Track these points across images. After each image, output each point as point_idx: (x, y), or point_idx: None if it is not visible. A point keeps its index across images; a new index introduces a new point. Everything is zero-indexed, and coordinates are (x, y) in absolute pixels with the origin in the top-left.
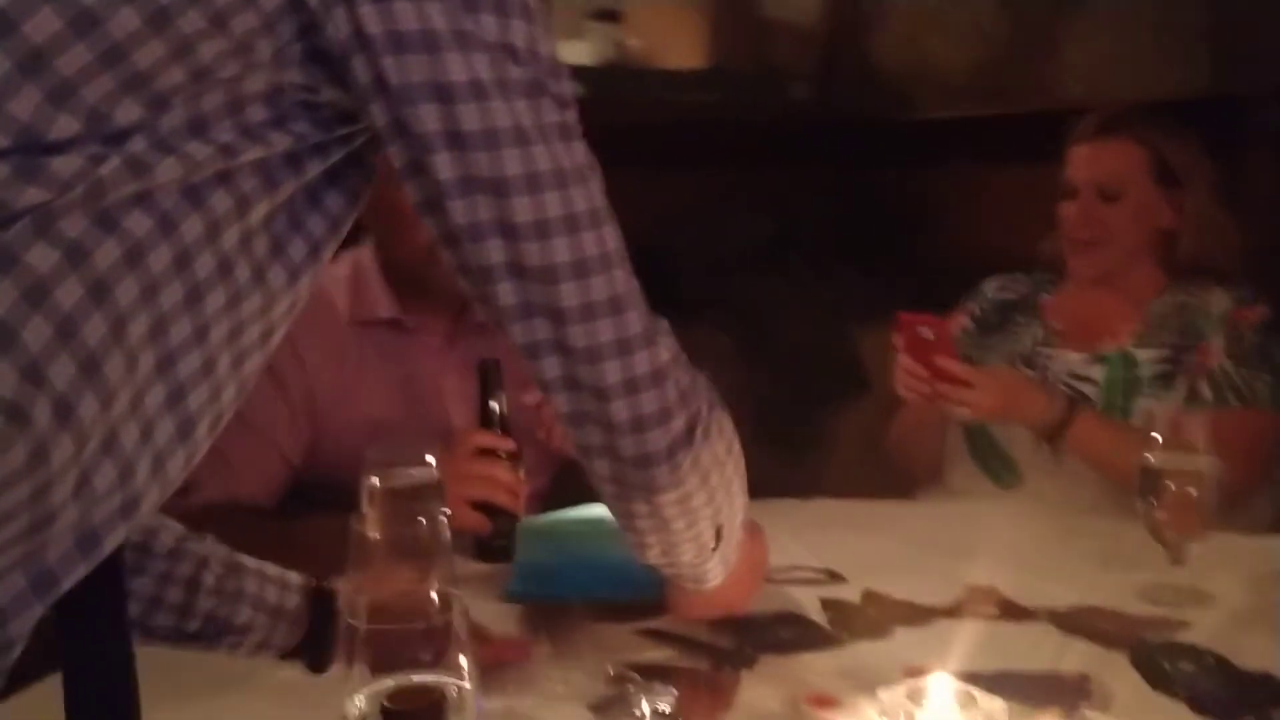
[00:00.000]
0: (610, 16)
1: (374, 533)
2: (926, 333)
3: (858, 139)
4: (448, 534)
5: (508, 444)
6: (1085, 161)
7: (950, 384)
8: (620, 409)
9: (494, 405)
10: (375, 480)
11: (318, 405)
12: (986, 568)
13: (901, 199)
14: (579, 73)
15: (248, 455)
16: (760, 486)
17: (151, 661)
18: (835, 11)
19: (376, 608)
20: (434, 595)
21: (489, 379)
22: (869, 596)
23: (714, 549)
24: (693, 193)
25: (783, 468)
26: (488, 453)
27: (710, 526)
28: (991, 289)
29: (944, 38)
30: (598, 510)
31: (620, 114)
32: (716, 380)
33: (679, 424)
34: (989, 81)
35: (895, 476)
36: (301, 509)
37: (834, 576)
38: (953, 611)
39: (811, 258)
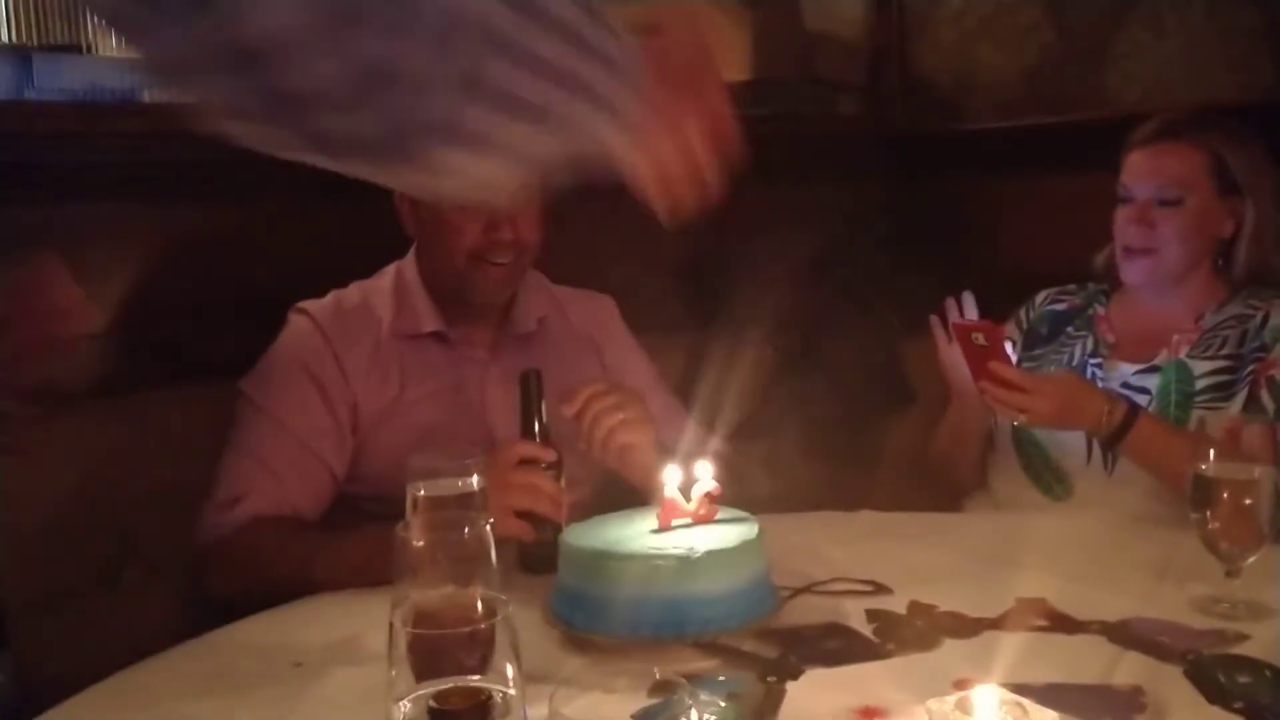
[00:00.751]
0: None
1: (418, 540)
2: (980, 339)
3: (905, 151)
4: (491, 541)
5: (549, 454)
6: (1143, 166)
7: (1007, 390)
8: None
9: (536, 416)
10: (419, 489)
11: (362, 417)
12: (1036, 579)
13: (950, 211)
14: None
15: (294, 467)
16: (807, 498)
17: (204, 659)
18: (881, 22)
19: (422, 614)
20: (479, 602)
21: (530, 390)
22: (916, 607)
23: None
24: (737, 207)
25: (830, 480)
26: (530, 462)
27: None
28: (1042, 300)
29: (993, 46)
30: (643, 532)
31: None
32: (766, 394)
33: None
34: (1040, 90)
35: (942, 488)
36: (346, 521)
37: (880, 588)
38: (1001, 623)
39: (858, 271)
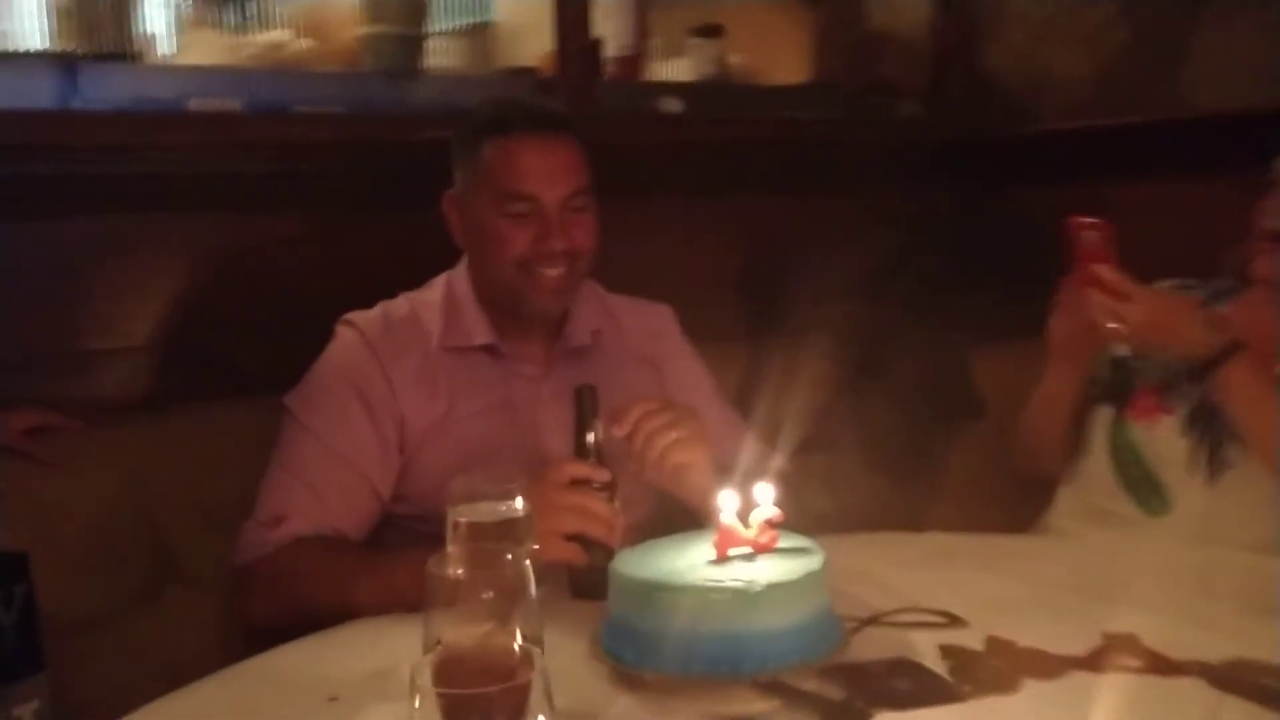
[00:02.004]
0: (711, 32)
1: (455, 571)
2: (1092, 236)
3: (970, 156)
4: (531, 576)
5: (603, 474)
6: None
7: (1106, 294)
8: None
9: (589, 434)
10: (459, 514)
11: (408, 434)
12: (1125, 612)
13: (1018, 218)
14: (679, 90)
15: (337, 486)
16: (871, 518)
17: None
18: (946, 22)
19: (453, 659)
20: (516, 646)
21: (585, 406)
22: (994, 644)
23: None
24: (798, 214)
25: (893, 498)
26: (582, 483)
27: None
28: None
29: (1064, 46)
30: (699, 562)
31: (721, 132)
32: (826, 408)
33: None
34: (1113, 91)
35: (1020, 507)
36: (393, 542)
37: (954, 620)
38: (1089, 663)
39: (924, 280)
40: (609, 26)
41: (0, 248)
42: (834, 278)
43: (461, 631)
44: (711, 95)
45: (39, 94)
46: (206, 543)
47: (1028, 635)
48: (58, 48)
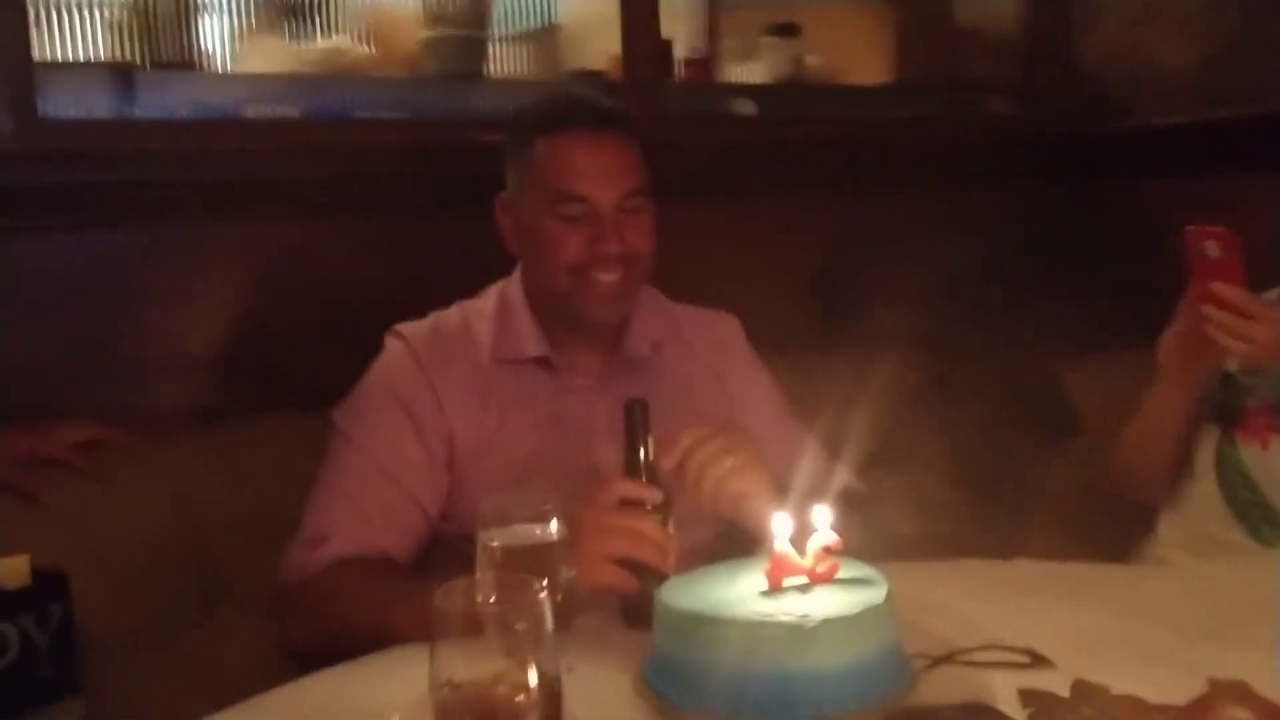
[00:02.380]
0: (788, 30)
1: (464, 604)
2: (1213, 249)
3: (1064, 154)
4: (548, 607)
5: (654, 494)
6: None
7: (1228, 314)
8: None
9: (641, 451)
10: (490, 539)
11: (458, 450)
12: (1234, 655)
13: (1116, 219)
14: (755, 91)
15: (381, 504)
16: (951, 544)
17: None
18: (1039, 15)
19: (455, 703)
20: (529, 687)
21: (636, 422)
22: (1081, 688)
23: None
24: (877, 217)
25: (979, 523)
26: (632, 504)
27: None
28: (1275, 298)
29: (1167, 34)
30: (751, 593)
31: (798, 134)
32: (904, 423)
33: None
34: (1220, 81)
35: (1119, 534)
36: (439, 564)
37: (1037, 660)
38: (1192, 713)
39: (1014, 285)
40: (679, 28)
41: (57, 257)
42: (915, 284)
43: (472, 670)
44: (787, 96)
45: (97, 103)
46: (260, 561)
47: (1122, 679)
48: (116, 57)
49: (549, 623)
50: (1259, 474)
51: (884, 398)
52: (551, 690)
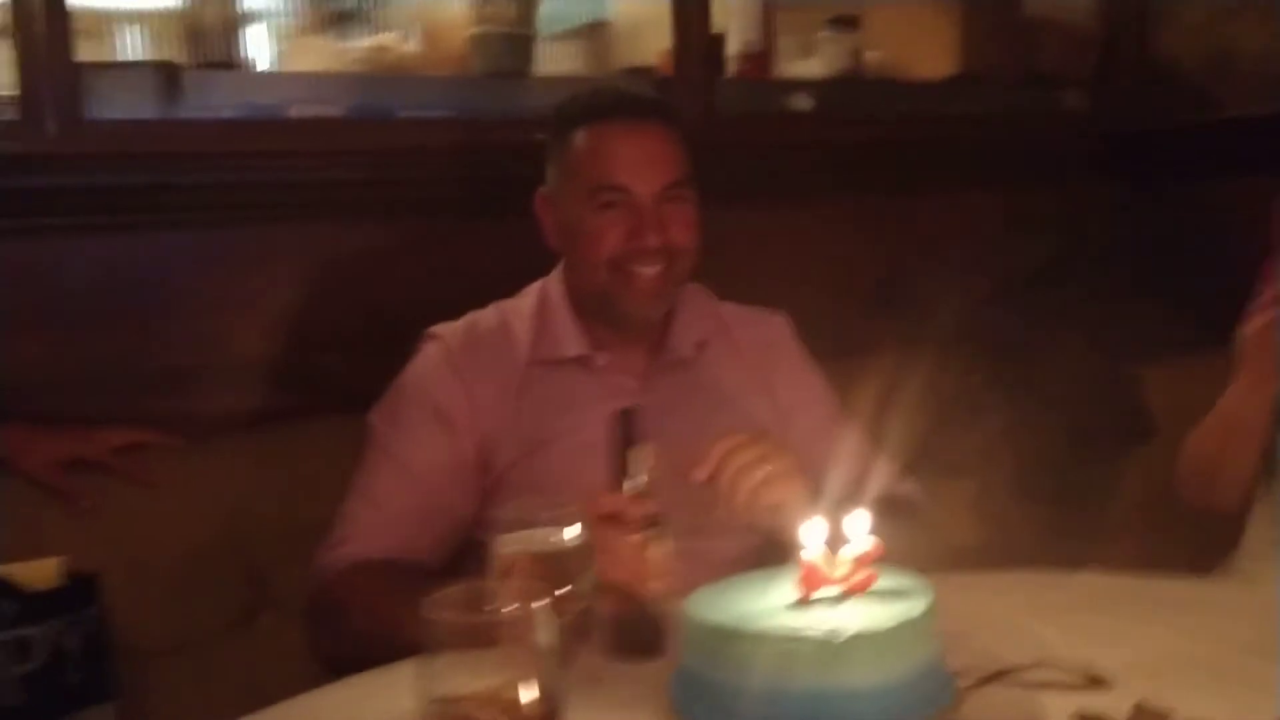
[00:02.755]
0: (848, 23)
1: (453, 613)
2: None
3: (1142, 150)
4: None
5: (636, 509)
6: None
7: None
8: None
9: (630, 464)
10: (505, 545)
11: (494, 454)
12: None
13: (1195, 217)
14: (812, 87)
15: (412, 508)
16: (1017, 555)
17: None
18: (1115, 5)
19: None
20: (529, 697)
21: (625, 433)
22: (1142, 712)
23: None
24: (943, 216)
25: (1048, 533)
26: (614, 520)
27: None
28: None
29: (1256, 21)
30: (781, 605)
31: (859, 131)
32: (971, 427)
33: None
34: None
35: (1202, 545)
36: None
37: (1095, 681)
38: None
39: (1088, 286)
40: (733, 22)
41: (100, 260)
42: (985, 285)
43: (466, 684)
44: (846, 92)
45: (141, 103)
46: (304, 569)
47: (1188, 704)
48: (161, 57)
49: (551, 634)
50: None
51: (951, 404)
52: (551, 708)
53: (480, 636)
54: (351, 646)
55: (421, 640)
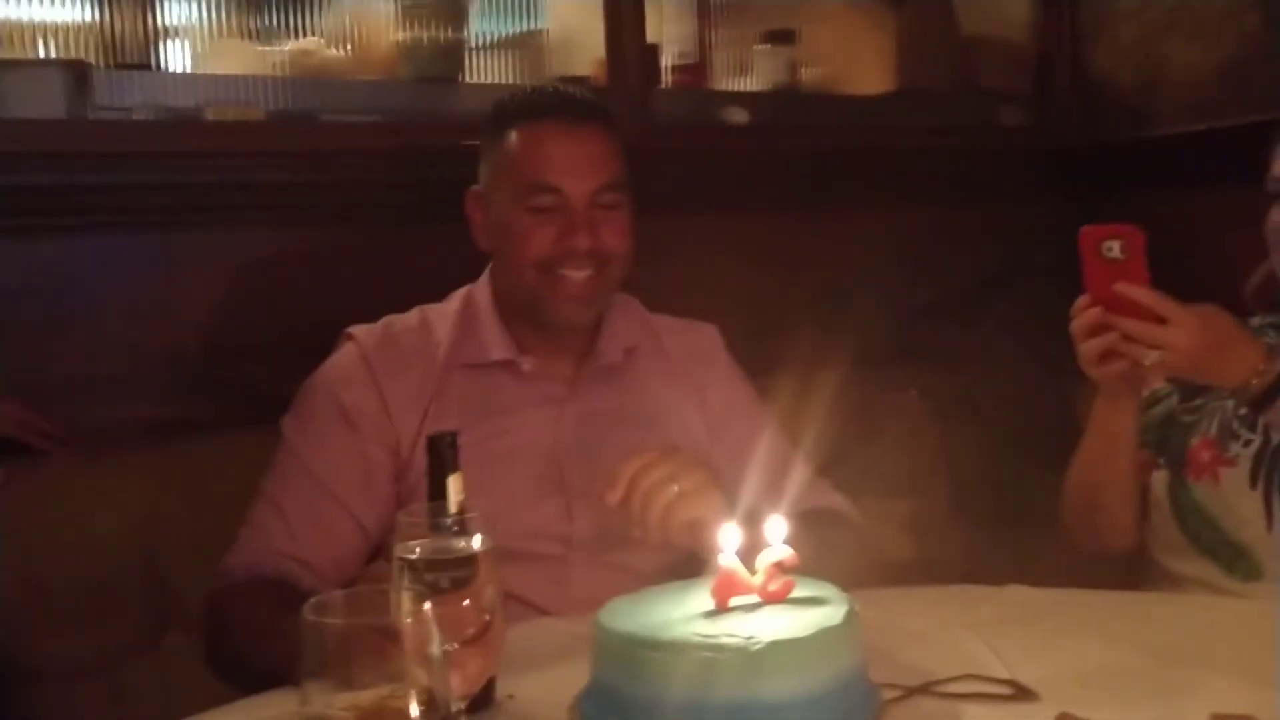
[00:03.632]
0: (784, 37)
1: (338, 618)
2: (1114, 250)
3: (1079, 165)
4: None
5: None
6: None
7: (1136, 320)
8: None
9: (451, 492)
10: (404, 552)
11: (407, 460)
12: (1237, 687)
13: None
14: (748, 99)
15: (311, 514)
16: (950, 571)
17: None
18: (1050, 22)
19: None
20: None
21: (440, 459)
22: None
23: None
24: (884, 230)
25: (987, 548)
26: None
27: None
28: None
29: (1185, 40)
30: (695, 613)
31: (796, 144)
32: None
33: None
34: (1242, 87)
35: (1082, 549)
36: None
37: (1021, 692)
38: None
39: (1026, 302)
40: (668, 32)
41: (7, 263)
42: (923, 300)
43: (346, 697)
44: (782, 105)
45: (50, 103)
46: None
47: (1113, 713)
48: (75, 55)
49: (435, 645)
50: (1217, 509)
51: (889, 421)
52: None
53: (361, 645)
54: (226, 662)
55: (304, 646)
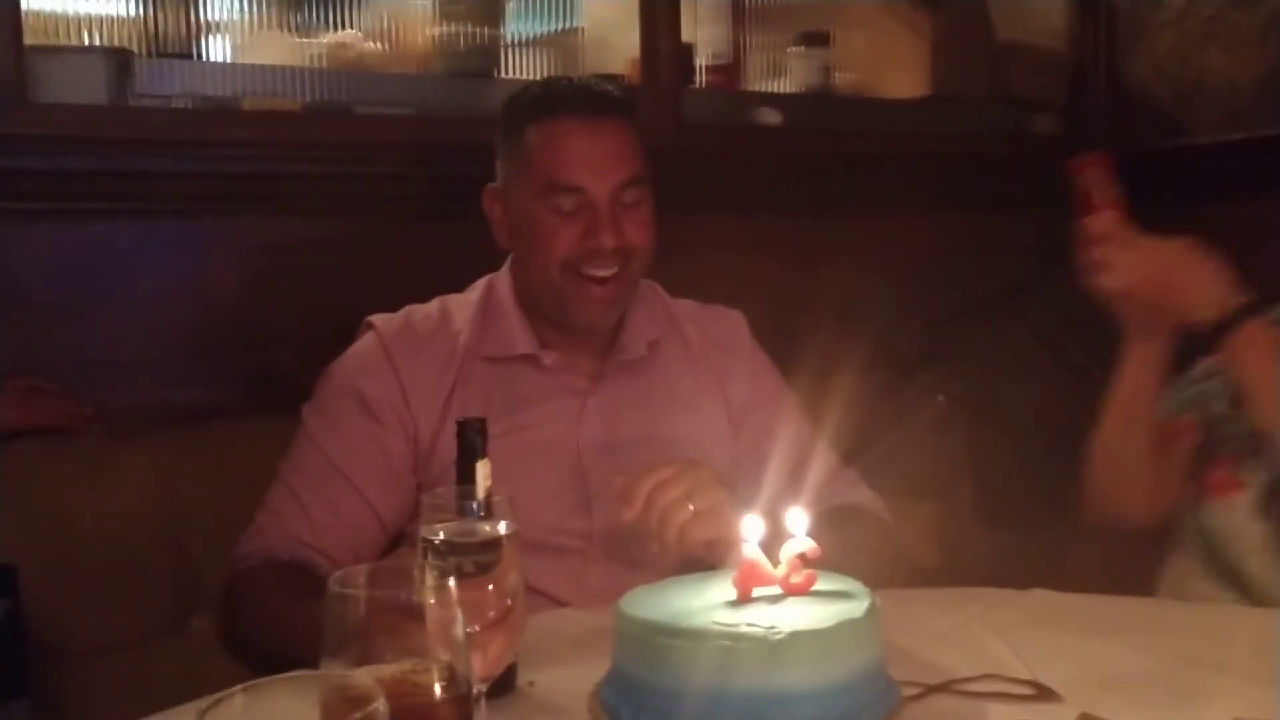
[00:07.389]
0: (818, 40)
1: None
2: (1096, 176)
3: (1116, 172)
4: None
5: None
6: None
7: (1105, 242)
8: None
9: (479, 478)
10: (429, 534)
11: (425, 451)
12: (1257, 693)
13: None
14: (781, 101)
15: (329, 502)
16: (981, 572)
17: None
18: (1086, 30)
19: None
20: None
21: (469, 445)
22: None
23: None
24: (914, 235)
25: (1012, 552)
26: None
27: None
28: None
29: (1223, 49)
30: (717, 603)
31: (828, 147)
32: (937, 449)
33: None
34: (1274, 98)
35: (1105, 518)
36: None
37: (1043, 692)
38: None
39: (1057, 307)
40: (703, 33)
41: (43, 244)
42: (951, 306)
43: (369, 673)
44: (815, 108)
45: (92, 89)
46: None
47: (1135, 717)
48: (116, 43)
49: (459, 626)
50: (1229, 531)
51: (917, 424)
52: (458, 705)
53: (387, 621)
54: (243, 645)
55: (326, 618)
